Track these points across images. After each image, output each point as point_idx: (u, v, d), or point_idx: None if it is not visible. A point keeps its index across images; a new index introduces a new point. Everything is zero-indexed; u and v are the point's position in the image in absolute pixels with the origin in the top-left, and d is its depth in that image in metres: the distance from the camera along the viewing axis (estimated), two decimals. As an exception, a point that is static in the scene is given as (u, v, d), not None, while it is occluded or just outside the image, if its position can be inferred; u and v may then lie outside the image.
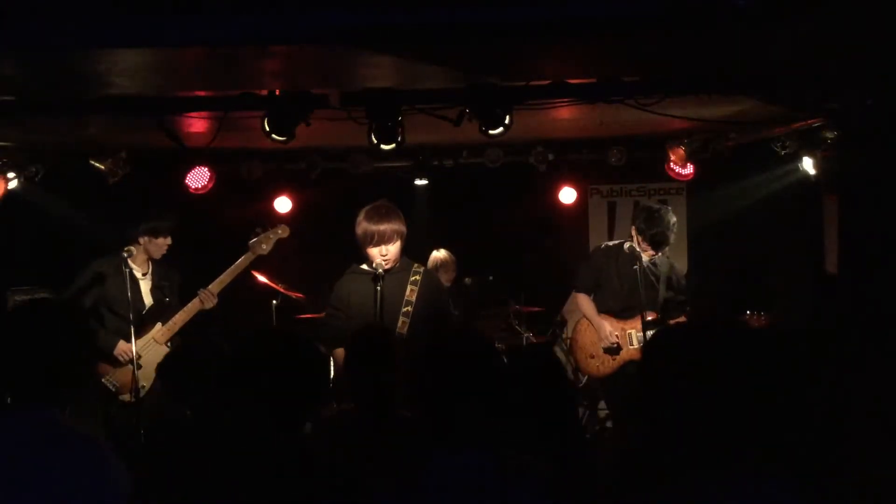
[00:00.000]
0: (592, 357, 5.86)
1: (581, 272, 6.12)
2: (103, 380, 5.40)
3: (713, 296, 7.35)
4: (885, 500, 2.33)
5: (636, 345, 5.70)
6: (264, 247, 5.72)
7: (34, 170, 6.63)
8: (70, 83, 4.62)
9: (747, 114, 5.81)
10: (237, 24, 3.62)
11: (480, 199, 7.82)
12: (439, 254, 7.24)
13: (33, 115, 5.20)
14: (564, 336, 7.32)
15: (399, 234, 4.74)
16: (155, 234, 5.59)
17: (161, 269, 5.75)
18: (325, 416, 3.60)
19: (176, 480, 2.39)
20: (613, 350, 5.79)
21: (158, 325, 5.55)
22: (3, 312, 6.39)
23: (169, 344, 5.55)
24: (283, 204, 7.75)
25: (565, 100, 4.84)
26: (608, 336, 5.80)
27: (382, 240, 4.69)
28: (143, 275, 5.65)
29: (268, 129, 4.93)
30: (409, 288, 4.82)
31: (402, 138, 5.06)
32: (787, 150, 6.41)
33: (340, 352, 4.73)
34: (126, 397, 5.43)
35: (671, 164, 7.14)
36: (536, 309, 7.37)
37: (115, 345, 5.40)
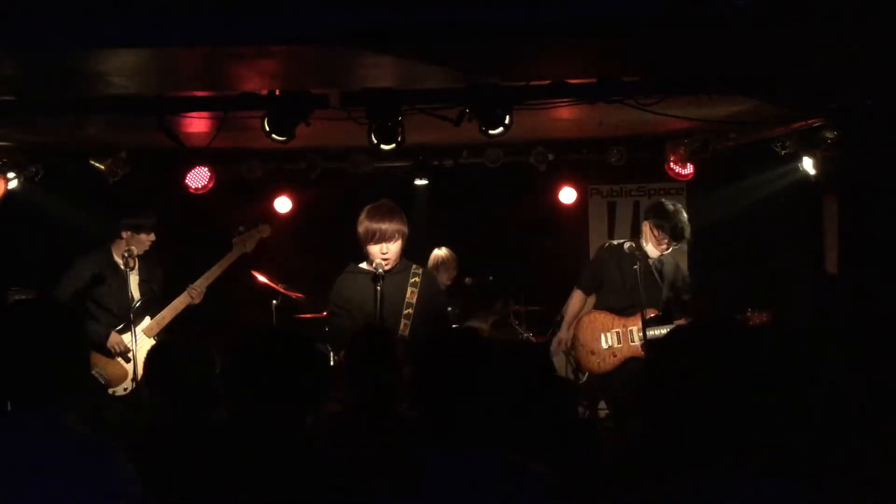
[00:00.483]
0: (593, 353, 5.87)
1: (583, 270, 6.20)
2: (93, 372, 5.42)
3: (713, 296, 7.35)
4: (886, 501, 2.33)
5: (637, 342, 5.71)
6: (248, 245, 5.83)
7: (34, 170, 6.64)
8: (70, 83, 4.62)
9: (747, 114, 5.81)
10: (237, 24, 3.62)
11: (480, 199, 7.82)
12: (440, 252, 7.24)
13: (33, 115, 5.20)
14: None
15: (400, 234, 4.74)
16: (137, 229, 5.64)
17: (146, 265, 5.79)
18: (325, 415, 3.60)
19: (175, 481, 2.39)
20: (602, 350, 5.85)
21: (147, 319, 5.61)
22: (3, 312, 6.40)
23: (157, 338, 5.61)
24: (283, 204, 7.74)
25: (565, 100, 4.84)
26: (557, 344, 6.07)
27: (384, 238, 4.68)
28: (131, 269, 5.66)
29: (268, 129, 4.93)
30: (409, 290, 4.82)
31: (402, 138, 5.06)
32: (787, 150, 6.41)
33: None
34: (115, 390, 5.46)
35: (671, 164, 7.14)
36: (536, 309, 7.37)
37: (107, 336, 5.46)
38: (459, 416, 2.28)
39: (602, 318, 5.89)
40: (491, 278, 7.42)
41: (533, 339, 7.19)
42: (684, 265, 6.49)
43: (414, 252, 5.12)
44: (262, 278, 6.63)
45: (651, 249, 5.75)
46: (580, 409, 6.40)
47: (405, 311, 4.77)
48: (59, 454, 2.15)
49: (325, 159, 7.24)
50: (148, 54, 4.00)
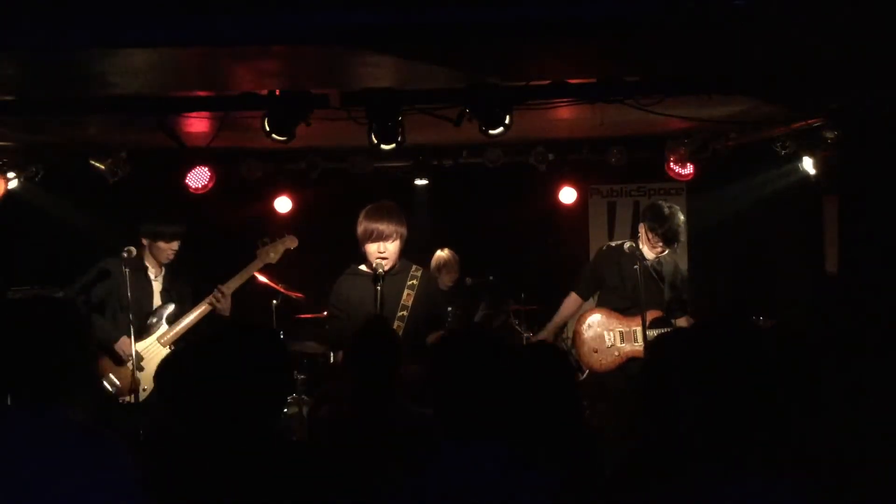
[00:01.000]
0: (595, 352, 5.87)
1: (580, 273, 6.19)
2: (104, 380, 5.37)
3: (713, 296, 7.36)
4: (887, 500, 2.33)
5: (639, 342, 5.71)
6: (272, 255, 5.67)
7: (34, 170, 6.63)
8: (70, 83, 4.62)
9: (747, 114, 5.81)
10: (237, 24, 3.62)
11: (480, 199, 7.82)
12: (443, 253, 7.24)
13: (33, 115, 5.20)
14: (564, 335, 7.32)
15: (399, 234, 4.74)
16: (155, 237, 5.49)
17: (172, 275, 5.68)
18: (327, 413, 3.60)
19: (176, 484, 2.39)
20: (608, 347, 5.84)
21: (164, 327, 5.53)
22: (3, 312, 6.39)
23: (172, 347, 5.52)
24: (283, 204, 7.75)
25: (565, 100, 4.84)
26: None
27: (381, 237, 4.69)
28: (156, 276, 5.61)
29: (268, 129, 4.93)
30: (405, 292, 4.83)
31: (402, 138, 5.06)
32: (787, 150, 6.40)
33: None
34: (125, 399, 5.40)
35: (671, 164, 7.14)
36: (536, 308, 7.37)
37: (117, 339, 5.36)
38: (468, 411, 2.28)
39: (605, 316, 5.89)
40: (491, 278, 7.42)
41: (533, 338, 7.19)
42: (683, 265, 6.50)
43: (414, 252, 5.11)
44: (262, 278, 6.62)
45: (647, 251, 5.76)
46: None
47: (399, 313, 4.78)
48: (61, 450, 2.16)
49: (325, 159, 7.24)
50: (148, 54, 4.00)
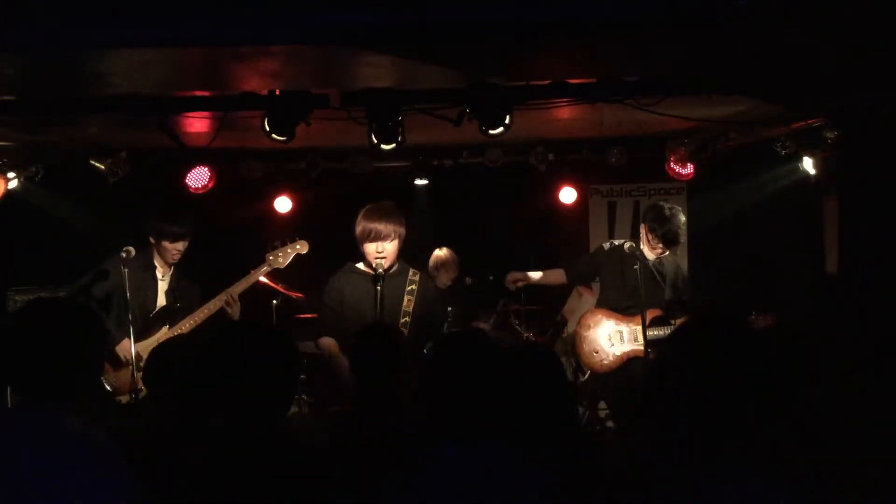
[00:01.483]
0: (596, 352, 5.87)
1: (579, 259, 6.30)
2: (101, 379, 5.36)
3: (713, 296, 7.35)
4: (887, 500, 2.33)
5: (639, 342, 5.71)
6: (281, 260, 5.60)
7: (34, 170, 6.63)
8: (70, 83, 4.62)
9: (747, 114, 5.81)
10: (237, 24, 3.62)
11: (480, 199, 7.82)
12: (441, 252, 7.23)
13: (33, 115, 5.20)
14: (564, 335, 7.33)
15: (397, 234, 4.74)
16: (159, 236, 5.44)
17: (179, 275, 5.63)
18: (330, 414, 3.61)
19: (177, 484, 2.39)
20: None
21: (165, 329, 5.49)
22: (3, 312, 6.40)
23: None
24: (283, 204, 7.75)
25: (565, 100, 4.84)
26: (512, 281, 6.13)
27: (379, 237, 4.69)
28: (163, 276, 5.57)
29: (268, 129, 4.93)
30: (405, 298, 4.84)
31: (402, 138, 5.06)
32: (787, 150, 6.41)
33: (325, 340, 4.75)
34: (123, 398, 5.39)
35: (671, 164, 7.14)
36: (536, 308, 7.37)
37: (118, 341, 5.33)
38: (467, 412, 2.29)
39: (605, 316, 5.90)
40: (491, 278, 7.41)
41: (533, 338, 7.19)
42: (684, 265, 6.50)
43: (414, 252, 5.12)
44: (262, 278, 6.62)
45: (647, 252, 5.76)
46: (580, 409, 6.41)
47: (402, 320, 4.78)
48: (57, 453, 2.15)
49: (325, 159, 7.24)
50: (148, 54, 4.00)
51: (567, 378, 3.44)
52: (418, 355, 4.37)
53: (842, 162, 5.84)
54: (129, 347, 5.28)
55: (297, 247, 5.63)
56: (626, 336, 5.82)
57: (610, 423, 6.57)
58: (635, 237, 5.95)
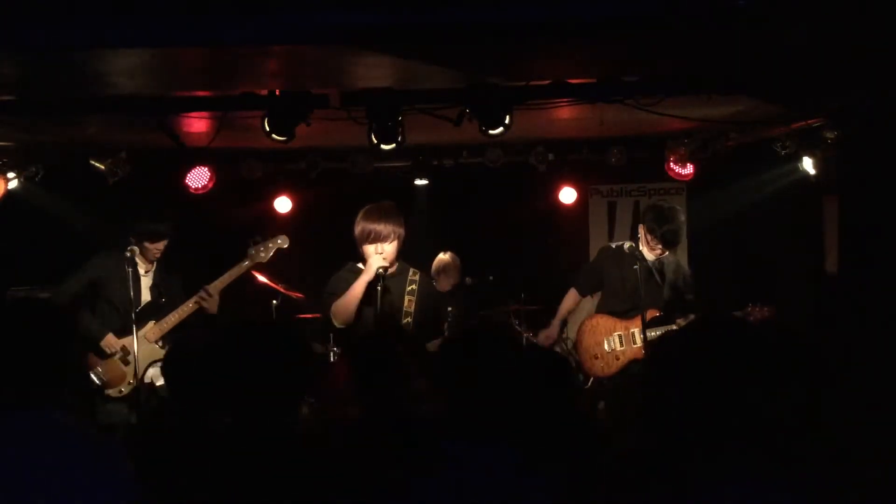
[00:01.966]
0: (596, 358, 5.86)
1: (581, 270, 6.24)
2: (91, 373, 5.40)
3: (713, 296, 7.35)
4: (887, 500, 2.33)
5: (639, 343, 5.70)
6: (263, 255, 5.66)
7: (34, 170, 6.63)
8: (70, 83, 4.62)
9: (747, 114, 5.81)
10: (237, 24, 3.62)
11: (480, 199, 7.82)
12: (445, 256, 7.21)
13: (33, 115, 5.20)
14: (565, 336, 7.32)
15: (397, 235, 4.73)
16: (139, 237, 5.52)
17: (162, 271, 5.73)
18: (334, 417, 3.60)
19: (178, 481, 2.39)
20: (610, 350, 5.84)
21: (151, 324, 5.55)
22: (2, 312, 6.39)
23: (160, 343, 5.56)
24: (283, 204, 7.74)
25: (565, 100, 4.85)
26: (545, 339, 6.12)
27: (379, 238, 4.68)
28: (146, 272, 5.63)
29: (268, 129, 4.93)
30: (406, 299, 4.83)
31: (402, 138, 5.06)
32: (787, 150, 6.40)
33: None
34: (112, 392, 5.44)
35: (671, 164, 7.14)
36: (536, 308, 7.36)
37: (103, 336, 5.43)
38: (474, 413, 2.29)
39: (604, 321, 5.89)
40: (491, 278, 7.41)
41: (533, 338, 7.18)
42: (686, 265, 6.49)
43: (414, 252, 5.11)
44: (262, 278, 6.62)
45: (646, 252, 5.74)
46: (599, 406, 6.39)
47: (404, 321, 4.78)
48: (56, 452, 2.15)
49: (325, 159, 7.24)
50: (148, 54, 4.00)
51: (577, 382, 3.45)
52: (419, 355, 4.36)
53: (842, 162, 5.84)
54: (114, 342, 5.42)
55: (279, 241, 5.70)
56: (625, 339, 5.81)
57: (612, 426, 6.56)
58: (635, 237, 5.94)
